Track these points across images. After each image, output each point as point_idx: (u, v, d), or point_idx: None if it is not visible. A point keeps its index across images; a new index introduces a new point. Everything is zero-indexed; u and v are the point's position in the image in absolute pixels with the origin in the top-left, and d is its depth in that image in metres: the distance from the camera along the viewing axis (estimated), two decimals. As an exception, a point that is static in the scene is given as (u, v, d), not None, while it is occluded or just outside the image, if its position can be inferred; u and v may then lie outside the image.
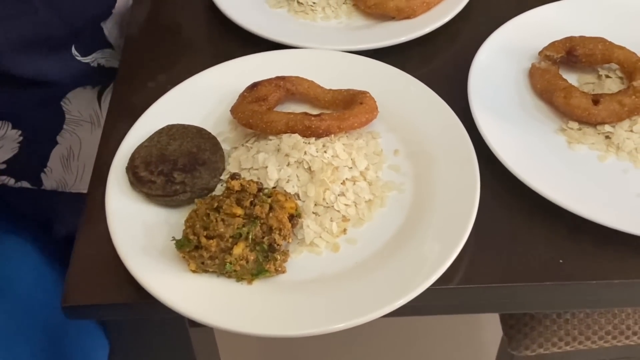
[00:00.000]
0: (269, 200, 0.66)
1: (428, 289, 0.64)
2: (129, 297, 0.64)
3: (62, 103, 0.93)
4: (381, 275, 0.65)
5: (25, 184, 0.94)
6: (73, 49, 0.92)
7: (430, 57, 0.93)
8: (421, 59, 0.92)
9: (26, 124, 0.92)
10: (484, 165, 0.74)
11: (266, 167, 0.70)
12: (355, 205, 0.71)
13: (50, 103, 0.93)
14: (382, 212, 0.72)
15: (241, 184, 0.66)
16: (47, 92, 0.92)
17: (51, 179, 0.95)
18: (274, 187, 0.69)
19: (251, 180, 0.68)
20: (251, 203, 0.65)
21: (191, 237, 0.63)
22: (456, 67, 0.88)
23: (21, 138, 0.92)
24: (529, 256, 0.70)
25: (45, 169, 0.94)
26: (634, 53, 0.85)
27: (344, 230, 0.70)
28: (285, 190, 0.69)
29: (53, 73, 0.90)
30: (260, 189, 0.67)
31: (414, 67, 0.90)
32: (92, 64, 0.95)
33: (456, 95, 0.83)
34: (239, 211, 0.65)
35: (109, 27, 0.96)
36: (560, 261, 0.69)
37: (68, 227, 0.92)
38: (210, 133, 0.75)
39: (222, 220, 0.64)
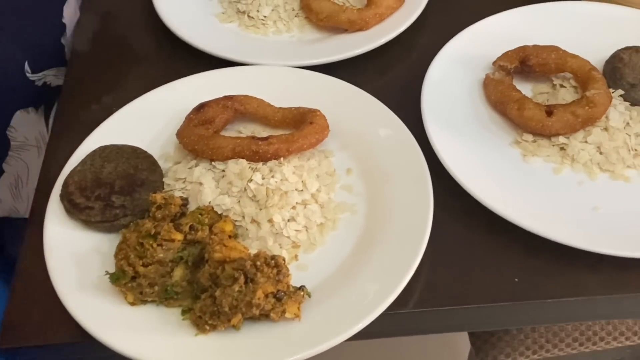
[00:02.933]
0: (206, 221, 0.64)
1: (383, 314, 0.63)
2: (69, 336, 0.62)
3: (7, 132, 0.90)
4: (332, 303, 0.64)
5: None
6: (26, 64, 0.89)
7: (385, 69, 0.91)
8: (375, 72, 0.91)
9: None
10: (438, 181, 0.73)
11: (200, 183, 0.68)
12: (307, 230, 0.69)
13: None
14: (334, 235, 0.70)
15: (163, 197, 0.64)
16: None
17: (1, 209, 0.92)
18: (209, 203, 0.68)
19: (171, 195, 0.66)
20: (191, 228, 0.63)
21: (126, 268, 0.61)
22: (411, 79, 0.87)
23: None
24: (484, 275, 0.69)
25: None
26: (587, 62, 0.84)
27: (295, 257, 0.68)
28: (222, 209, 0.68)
29: None
30: (184, 204, 0.66)
31: (368, 80, 0.89)
32: (37, 83, 0.91)
33: (411, 108, 0.81)
34: (179, 236, 0.63)
35: (68, 44, 0.93)
36: (516, 280, 0.68)
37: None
38: (146, 152, 0.73)
39: (160, 245, 0.62)
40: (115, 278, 0.61)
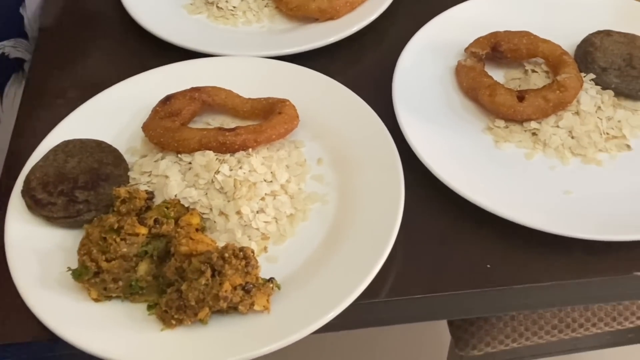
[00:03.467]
0: (172, 214, 0.62)
1: (354, 305, 0.62)
2: (31, 334, 0.60)
3: None
4: (302, 295, 0.63)
5: None
6: None
7: (357, 58, 0.90)
8: (347, 61, 0.90)
9: None
10: (410, 169, 0.72)
11: (166, 176, 0.67)
12: (276, 221, 0.68)
13: None
14: (304, 226, 0.69)
15: (128, 191, 0.63)
16: None
17: None
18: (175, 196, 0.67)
19: (136, 189, 0.65)
20: (155, 221, 0.62)
21: (89, 264, 0.60)
22: (383, 67, 0.86)
23: None
24: (456, 263, 0.68)
25: None
26: (558, 46, 0.83)
27: (265, 249, 0.67)
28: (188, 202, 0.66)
29: None
30: (150, 198, 0.65)
31: (340, 69, 0.88)
32: None
33: (383, 97, 0.81)
34: (143, 230, 0.61)
35: (29, 17, 0.91)
36: (488, 266, 0.68)
37: None
38: (111, 146, 0.72)
39: (124, 240, 0.61)
40: (78, 274, 0.60)
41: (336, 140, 0.76)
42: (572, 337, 1.02)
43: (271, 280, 0.63)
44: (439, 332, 1.33)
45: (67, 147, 0.70)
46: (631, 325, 1.02)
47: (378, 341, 1.44)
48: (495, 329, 0.99)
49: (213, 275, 0.60)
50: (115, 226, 0.62)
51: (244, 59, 0.83)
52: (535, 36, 0.84)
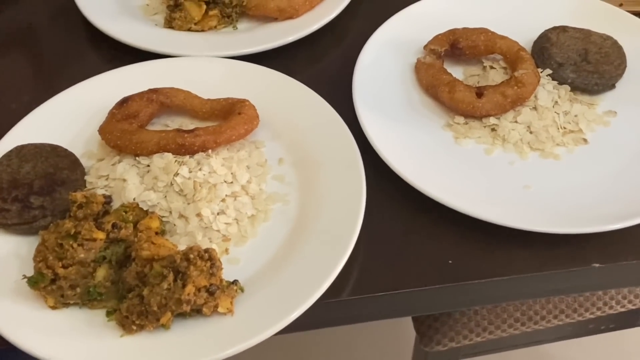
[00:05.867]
0: (130, 218, 0.61)
1: (317, 304, 0.61)
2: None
3: None
4: (265, 296, 0.62)
5: None
6: None
7: (317, 57, 0.90)
8: (308, 60, 0.90)
9: None
10: (371, 167, 0.72)
11: (124, 179, 0.66)
12: (237, 223, 0.67)
13: None
14: (266, 226, 0.68)
15: (84, 196, 0.62)
16: None
17: None
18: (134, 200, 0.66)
19: (93, 193, 0.64)
20: (113, 226, 0.61)
21: (45, 271, 0.58)
22: (344, 66, 0.86)
23: None
24: (418, 259, 0.68)
25: None
26: (515, 42, 0.84)
27: (226, 250, 0.66)
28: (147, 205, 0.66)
29: None
30: (107, 202, 0.64)
31: (301, 68, 0.88)
32: None
33: (344, 95, 0.81)
34: (101, 235, 0.60)
35: None
36: (450, 262, 0.68)
37: None
38: (67, 150, 0.70)
39: (81, 245, 0.59)
40: (34, 282, 0.59)
41: (297, 139, 0.76)
42: (534, 329, 1.04)
43: (235, 282, 0.62)
44: (404, 329, 1.34)
45: (21, 152, 0.69)
46: (591, 317, 1.04)
47: (342, 338, 1.44)
48: (459, 324, 1.00)
49: (175, 280, 0.59)
50: (72, 232, 0.60)
51: (203, 59, 0.82)
52: (493, 33, 0.85)
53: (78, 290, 0.59)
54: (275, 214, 0.69)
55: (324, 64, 0.90)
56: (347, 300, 0.66)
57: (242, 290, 0.62)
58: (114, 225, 0.61)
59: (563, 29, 0.87)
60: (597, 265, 0.68)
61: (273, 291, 0.62)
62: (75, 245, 0.60)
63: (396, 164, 0.72)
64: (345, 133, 0.74)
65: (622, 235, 0.69)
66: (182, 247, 0.64)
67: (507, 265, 0.68)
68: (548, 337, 1.09)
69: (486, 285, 0.67)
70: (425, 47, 0.86)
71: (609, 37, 0.86)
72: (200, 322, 0.61)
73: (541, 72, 0.82)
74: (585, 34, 0.87)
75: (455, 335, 1.01)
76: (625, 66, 0.84)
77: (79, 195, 0.63)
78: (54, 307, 0.60)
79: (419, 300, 0.67)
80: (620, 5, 0.94)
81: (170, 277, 0.59)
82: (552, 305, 1.01)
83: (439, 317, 1.01)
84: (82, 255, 0.59)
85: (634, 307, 1.05)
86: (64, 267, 0.59)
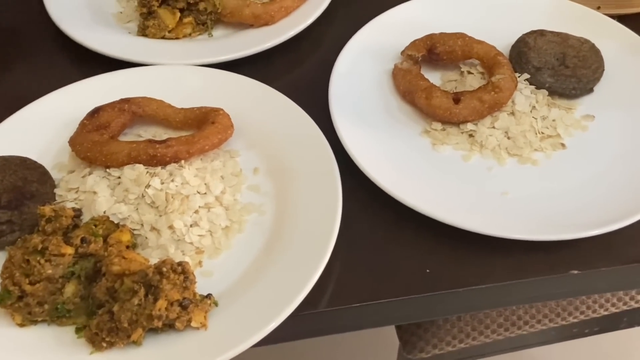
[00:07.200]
0: (100, 232, 0.60)
1: (293, 316, 0.60)
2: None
3: None
4: (239, 309, 0.61)
5: None
6: None
7: (294, 64, 0.89)
8: (285, 67, 0.89)
9: None
10: (348, 175, 0.71)
11: (94, 192, 0.65)
12: (211, 235, 0.66)
13: None
14: (240, 238, 0.67)
15: (53, 209, 0.61)
16: None
17: None
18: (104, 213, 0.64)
19: (62, 207, 0.62)
20: (82, 240, 0.59)
21: (11, 288, 0.57)
22: (320, 72, 0.84)
23: None
24: (396, 269, 0.67)
25: None
26: (493, 47, 0.84)
27: (199, 263, 0.65)
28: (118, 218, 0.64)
29: None
30: (77, 215, 0.62)
31: (278, 76, 0.87)
32: None
33: (321, 102, 0.80)
34: (69, 250, 0.59)
35: None
36: (428, 270, 0.67)
37: None
38: (36, 162, 0.69)
39: (49, 261, 0.58)
40: (0, 299, 0.57)
41: (273, 148, 0.75)
42: (518, 334, 1.03)
43: (209, 296, 0.61)
44: (387, 336, 1.33)
45: (-11, 165, 0.67)
46: (575, 321, 1.03)
47: (324, 346, 1.43)
48: (442, 331, 0.99)
49: (146, 295, 0.58)
50: (40, 247, 0.59)
51: (176, 68, 0.81)
52: (470, 37, 0.84)
53: (46, 307, 0.58)
54: (250, 225, 0.68)
55: (301, 70, 0.89)
56: (323, 312, 0.65)
57: (216, 304, 0.61)
58: (82, 240, 0.60)
59: (541, 32, 0.87)
60: (575, 272, 0.67)
61: (247, 304, 0.61)
62: (42, 261, 0.58)
63: (373, 173, 0.71)
64: (322, 141, 0.73)
65: (601, 241, 0.68)
66: (153, 260, 0.62)
67: (485, 273, 0.67)
68: (532, 341, 1.09)
69: (464, 294, 0.66)
70: (402, 52, 0.85)
71: (586, 41, 0.86)
72: (172, 337, 0.59)
73: (519, 76, 0.82)
74: (563, 37, 0.86)
75: (439, 342, 1.00)
76: (603, 70, 0.84)
77: (47, 209, 0.62)
78: (21, 325, 0.58)
79: (396, 310, 0.66)
80: (598, 8, 0.93)
81: (141, 292, 0.57)
82: (535, 310, 1.01)
83: (422, 324, 1.00)
84: (49, 271, 0.58)
85: (617, 311, 1.05)
86: (31, 283, 0.58)
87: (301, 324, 0.65)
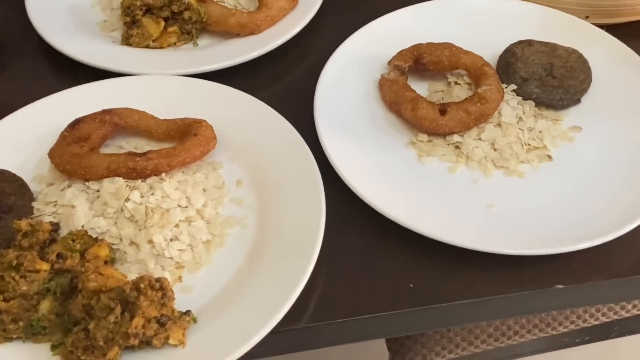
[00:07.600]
0: (77, 247, 0.59)
1: (274, 332, 0.59)
2: None
3: None
4: (219, 325, 0.60)
5: None
6: None
7: (280, 74, 0.88)
8: (271, 77, 0.88)
9: None
10: (332, 188, 0.70)
11: (72, 205, 0.64)
12: (192, 249, 0.65)
13: None
14: (221, 252, 0.66)
15: (30, 224, 0.60)
16: None
17: None
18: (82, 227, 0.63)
19: (39, 221, 0.61)
20: (58, 256, 0.58)
21: None
22: (307, 83, 0.83)
23: None
24: (379, 283, 0.67)
25: None
26: (479, 57, 0.83)
27: (179, 278, 0.64)
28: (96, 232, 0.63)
29: None
30: (54, 229, 0.61)
31: (263, 86, 0.86)
32: None
33: (307, 113, 0.79)
34: (45, 266, 0.58)
35: None
36: (411, 285, 0.66)
37: None
38: (14, 174, 0.68)
39: (23, 277, 0.57)
40: (-26, 317, 0.56)
41: (256, 160, 0.74)
42: (508, 344, 1.03)
43: (188, 313, 0.60)
44: (376, 347, 1.32)
45: (-36, 178, 0.66)
46: (565, 330, 1.03)
47: (313, 357, 1.42)
48: (432, 341, 0.99)
49: (123, 312, 0.57)
50: (14, 263, 0.58)
51: (159, 78, 0.80)
52: (457, 48, 0.84)
53: (21, 324, 0.57)
54: (231, 238, 0.67)
55: (287, 81, 0.88)
56: (305, 328, 0.64)
57: (194, 320, 0.60)
58: (58, 255, 0.59)
59: (529, 42, 0.86)
60: (560, 286, 0.67)
61: (227, 321, 0.60)
62: (17, 277, 0.57)
63: (357, 185, 0.70)
64: (306, 153, 0.72)
65: (586, 255, 0.68)
66: (132, 275, 0.61)
67: (469, 287, 0.66)
68: (522, 351, 1.08)
69: (448, 309, 0.65)
70: (389, 62, 0.84)
71: (574, 51, 0.85)
72: (150, 355, 0.58)
73: (506, 87, 0.81)
74: (551, 47, 0.85)
75: (428, 352, 0.99)
76: (591, 80, 0.83)
77: (23, 224, 0.61)
78: (-4, 343, 0.57)
79: (379, 325, 0.65)
80: (587, 17, 0.93)
81: (118, 309, 0.56)
82: (525, 320, 1.00)
83: (411, 335, 0.99)
84: (24, 288, 0.57)
85: (608, 320, 1.04)
86: (5, 300, 0.57)
87: (283, 340, 0.64)
